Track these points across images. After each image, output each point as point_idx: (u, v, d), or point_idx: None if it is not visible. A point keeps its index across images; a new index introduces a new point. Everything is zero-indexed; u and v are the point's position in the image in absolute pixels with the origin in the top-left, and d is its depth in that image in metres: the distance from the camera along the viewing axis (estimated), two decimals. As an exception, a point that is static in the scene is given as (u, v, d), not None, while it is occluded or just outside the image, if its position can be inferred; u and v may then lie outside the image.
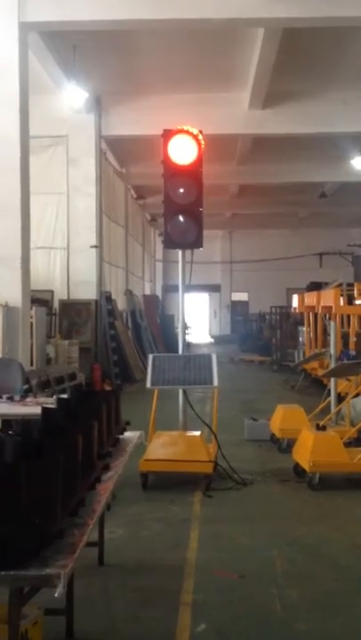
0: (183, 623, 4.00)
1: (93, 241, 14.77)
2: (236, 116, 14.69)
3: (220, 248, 34.98)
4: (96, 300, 14.77)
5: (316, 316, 15.33)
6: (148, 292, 26.97)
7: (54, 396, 6.28)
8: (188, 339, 13.34)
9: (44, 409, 3.63)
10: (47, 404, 4.96)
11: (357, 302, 12.79)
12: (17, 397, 6.13)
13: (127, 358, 16.26)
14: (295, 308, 17.19)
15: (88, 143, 14.76)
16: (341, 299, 12.52)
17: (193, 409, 7.54)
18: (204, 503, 6.48)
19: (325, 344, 13.48)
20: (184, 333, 7.98)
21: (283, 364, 19.40)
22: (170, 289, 31.78)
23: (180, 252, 7.64)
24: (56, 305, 14.45)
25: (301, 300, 16.05)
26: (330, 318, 9.28)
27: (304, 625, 3.99)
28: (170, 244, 7.53)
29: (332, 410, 8.43)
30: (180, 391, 7.48)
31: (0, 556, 2.31)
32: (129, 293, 19.94)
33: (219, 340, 32.91)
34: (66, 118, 14.39)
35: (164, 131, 7.46)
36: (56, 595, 2.31)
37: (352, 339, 11.92)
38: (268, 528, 5.76)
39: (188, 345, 8.43)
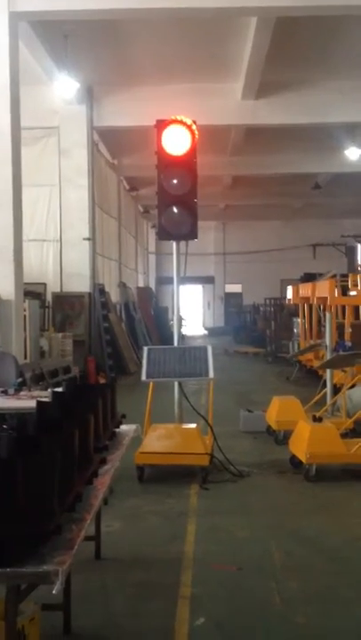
0: (182, 617, 3.97)
1: (86, 233, 14.68)
2: (229, 107, 14.59)
3: (214, 239, 34.94)
4: (89, 293, 14.71)
5: (310, 307, 15.32)
6: (141, 284, 26.91)
7: (49, 390, 6.22)
8: (183, 331, 13.30)
9: (38, 403, 3.58)
10: (42, 397, 4.91)
11: (352, 293, 12.76)
12: (11, 391, 6.05)
13: (121, 351, 16.22)
14: (290, 300, 17.21)
15: (80, 134, 14.65)
16: (336, 290, 12.52)
17: (188, 401, 7.50)
18: (200, 496, 6.45)
19: (320, 335, 13.46)
20: (180, 325, 7.93)
21: (278, 355, 19.39)
22: (163, 281, 31.75)
23: (174, 244, 7.57)
24: (49, 298, 14.39)
25: (296, 292, 16.07)
26: (325, 309, 9.25)
27: (303, 618, 3.97)
28: (164, 235, 7.45)
29: (328, 401, 8.41)
30: (176, 383, 7.43)
31: (-3, 554, 2.27)
32: (122, 286, 19.89)
33: (212, 332, 32.90)
34: (57, 109, 14.29)
35: (158, 121, 7.36)
36: (54, 592, 2.29)
37: (348, 330, 11.89)
38: (266, 520, 5.74)
39: (182, 337, 8.36)
